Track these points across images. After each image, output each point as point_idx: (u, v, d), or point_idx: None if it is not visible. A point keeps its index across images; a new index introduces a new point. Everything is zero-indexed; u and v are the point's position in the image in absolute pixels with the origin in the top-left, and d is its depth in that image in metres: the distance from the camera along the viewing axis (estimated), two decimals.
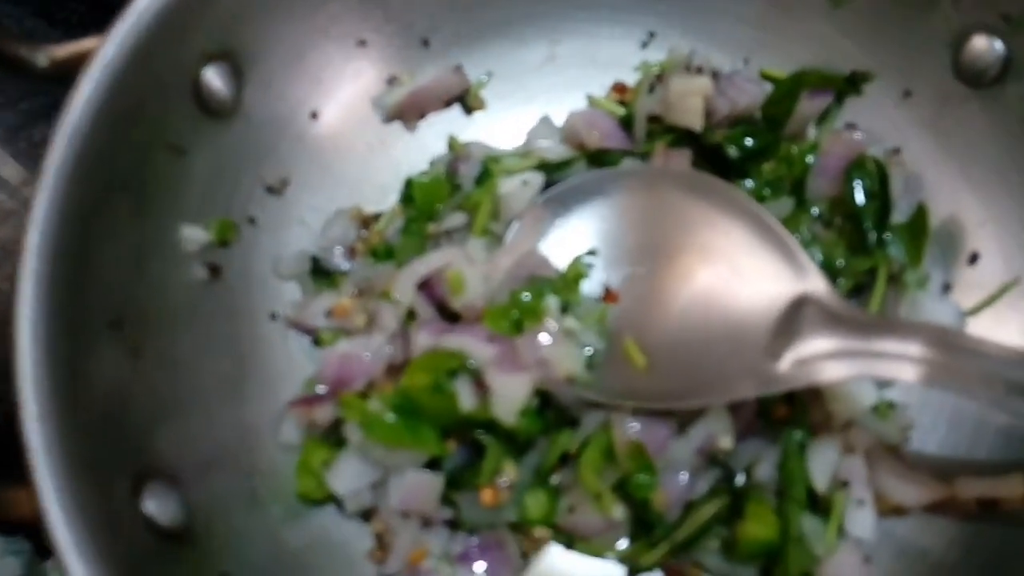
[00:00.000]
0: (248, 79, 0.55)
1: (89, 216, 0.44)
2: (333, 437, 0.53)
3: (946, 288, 0.59)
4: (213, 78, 0.53)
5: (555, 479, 0.55)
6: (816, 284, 0.52)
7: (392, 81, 0.64)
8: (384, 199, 0.63)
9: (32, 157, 0.88)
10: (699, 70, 0.62)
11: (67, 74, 0.49)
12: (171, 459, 0.45)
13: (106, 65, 0.46)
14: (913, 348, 0.47)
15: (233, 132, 0.55)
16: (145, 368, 0.46)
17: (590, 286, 0.58)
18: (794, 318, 0.52)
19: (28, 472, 0.36)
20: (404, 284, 0.56)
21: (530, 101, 0.66)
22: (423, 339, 0.53)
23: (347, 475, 0.51)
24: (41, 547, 0.69)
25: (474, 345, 0.52)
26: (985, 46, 0.56)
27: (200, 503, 0.45)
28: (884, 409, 0.56)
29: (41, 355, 0.39)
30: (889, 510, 0.53)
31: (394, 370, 0.55)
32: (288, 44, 0.57)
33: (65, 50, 0.49)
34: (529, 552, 0.54)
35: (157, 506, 0.42)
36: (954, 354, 0.46)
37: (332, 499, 0.52)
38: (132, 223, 0.47)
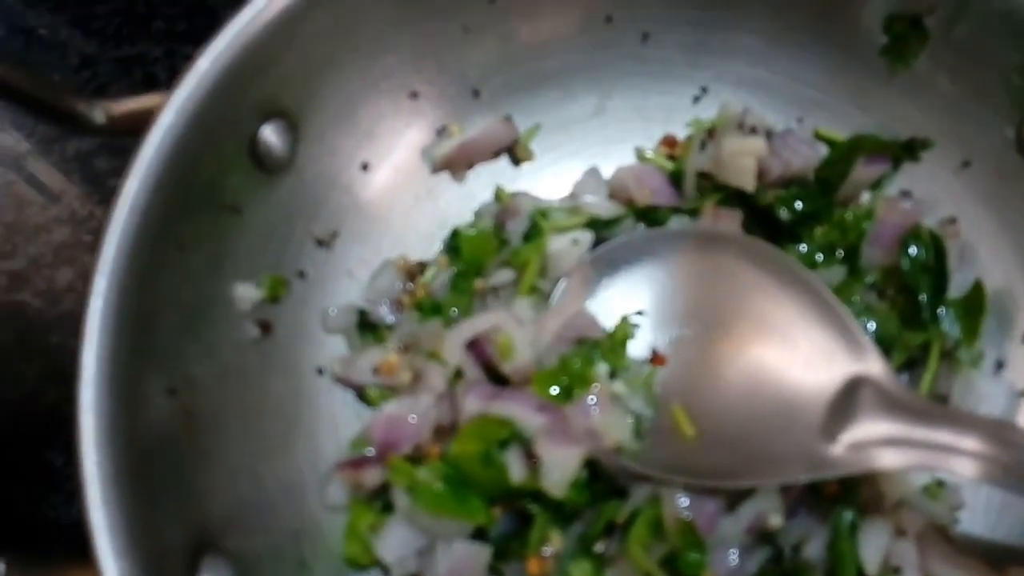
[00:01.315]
0: (302, 134, 0.55)
1: (148, 278, 0.44)
2: (380, 499, 0.53)
3: (999, 366, 0.58)
4: (269, 135, 0.52)
5: (599, 547, 0.55)
6: (874, 366, 0.52)
7: (442, 132, 0.63)
8: (429, 248, 0.63)
9: (64, 170, 0.90)
10: (752, 129, 0.62)
11: (124, 130, 0.49)
12: (222, 525, 0.44)
13: (167, 127, 0.46)
14: (972, 442, 0.46)
15: (286, 187, 0.55)
16: (196, 432, 0.46)
17: (637, 348, 0.57)
18: (850, 399, 0.51)
19: (91, 552, 0.36)
20: (453, 345, 0.56)
21: (577, 153, 0.66)
22: (472, 404, 0.53)
23: (394, 542, 0.51)
24: None
25: (524, 414, 0.52)
26: None
27: (251, 571, 0.45)
28: (934, 489, 0.55)
29: (104, 430, 0.39)
30: None
31: (441, 432, 0.54)
32: (341, 98, 0.57)
33: (122, 107, 0.49)
34: None
35: None
36: (1014, 451, 0.45)
37: (378, 564, 0.52)
38: (188, 284, 0.47)
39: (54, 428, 0.76)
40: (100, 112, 0.48)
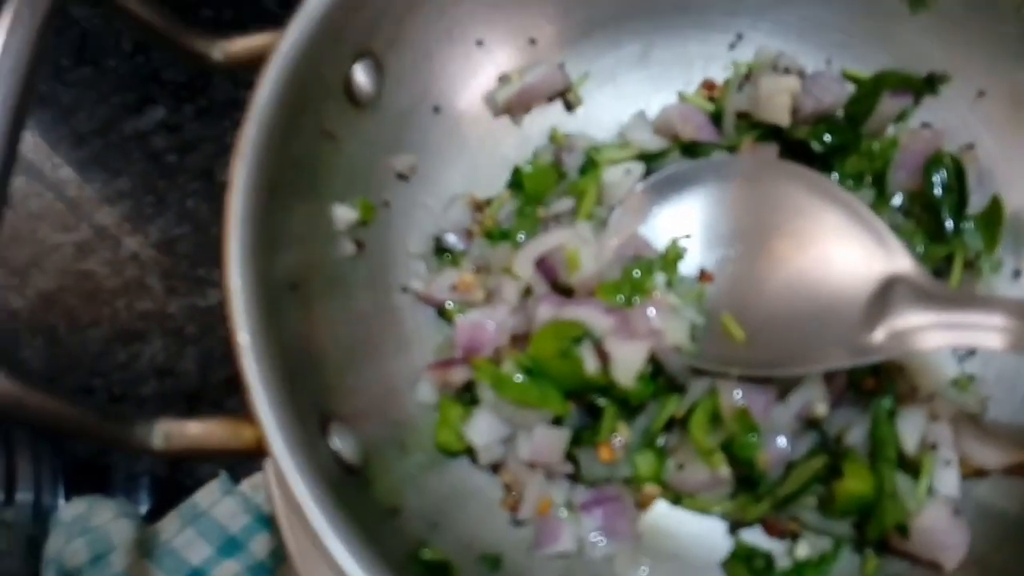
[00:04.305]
0: (386, 75, 0.61)
1: (273, 190, 0.50)
2: (466, 396, 0.59)
3: (1017, 274, 0.64)
4: (359, 73, 0.59)
5: (661, 441, 0.60)
6: (905, 264, 0.57)
7: (503, 79, 0.69)
8: (494, 186, 0.69)
9: (123, 149, 0.95)
10: (786, 70, 0.68)
11: (240, 66, 0.55)
12: (342, 405, 0.50)
13: (283, 60, 0.52)
14: (998, 319, 0.51)
15: (373, 122, 0.61)
16: (315, 327, 0.52)
17: (687, 267, 0.63)
18: (886, 295, 0.56)
19: (250, 407, 0.42)
20: (524, 261, 0.61)
21: (625, 98, 0.71)
22: (544, 311, 0.59)
23: (483, 429, 0.56)
24: (152, 511, 0.75)
25: (593, 316, 0.57)
26: None
27: (366, 447, 0.51)
28: (964, 382, 0.61)
29: (248, 304, 0.45)
30: (971, 472, 0.57)
31: (516, 339, 0.60)
32: (419, 44, 0.63)
33: (238, 45, 0.55)
34: (642, 506, 0.59)
35: (341, 443, 0.48)
36: None
37: (467, 451, 0.58)
38: (302, 199, 0.53)
39: (124, 386, 0.82)
40: (218, 50, 0.54)
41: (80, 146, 0.92)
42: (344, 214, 0.58)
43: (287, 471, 0.40)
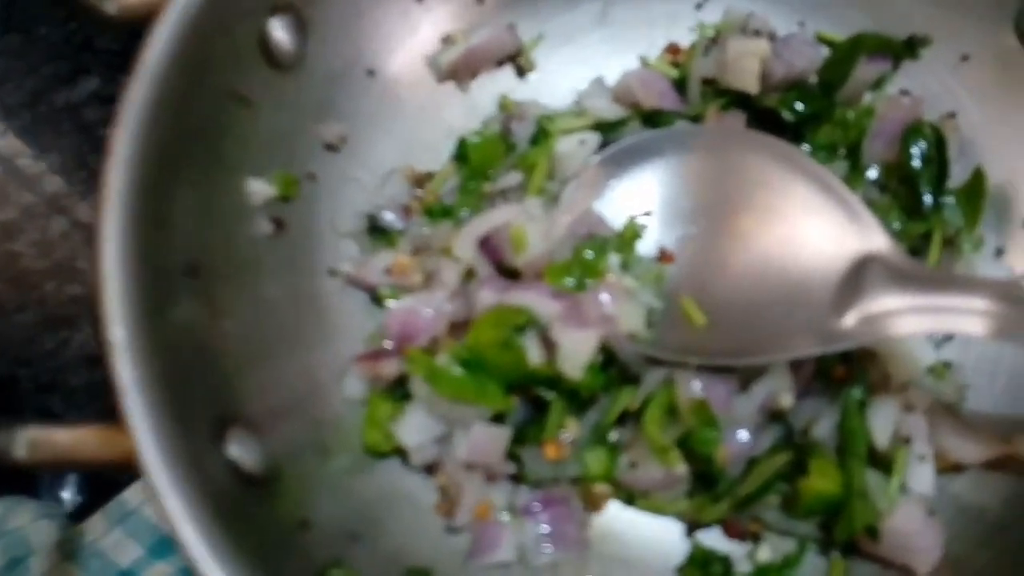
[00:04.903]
0: (310, 33, 0.55)
1: (165, 161, 0.44)
2: (398, 391, 0.53)
3: (1000, 252, 0.60)
4: (278, 29, 0.53)
5: (613, 436, 0.55)
6: (880, 242, 0.53)
7: (447, 40, 0.63)
8: (436, 158, 0.63)
9: (54, 121, 0.89)
10: (756, 32, 0.62)
11: (135, 21, 0.49)
12: (247, 407, 0.45)
13: (181, 11, 0.46)
14: (979, 302, 0.47)
15: (295, 87, 0.55)
16: (219, 318, 0.46)
17: (645, 247, 0.58)
18: (859, 276, 0.52)
19: (120, 410, 0.36)
20: (465, 241, 0.56)
21: (582, 62, 0.66)
22: (486, 296, 0.54)
23: (414, 427, 0.51)
24: (78, 510, 0.70)
25: (539, 302, 0.52)
26: None
27: (276, 452, 0.45)
28: (941, 369, 0.56)
29: (128, 294, 0.39)
30: (947, 467, 0.54)
31: (455, 327, 0.55)
32: None
33: None
34: (591, 508, 0.54)
35: (240, 451, 0.42)
36: (1018, 306, 0.46)
37: (398, 452, 0.53)
38: (205, 172, 0.47)
39: (52, 375, 0.77)
40: (112, 3, 0.48)
41: (7, 119, 0.86)
42: (260, 189, 0.52)
43: (159, 488, 0.35)
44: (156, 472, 0.35)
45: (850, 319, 0.51)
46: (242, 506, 0.40)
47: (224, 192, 0.49)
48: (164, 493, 0.35)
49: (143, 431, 0.36)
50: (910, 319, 0.49)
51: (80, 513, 0.66)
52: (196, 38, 0.46)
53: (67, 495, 0.72)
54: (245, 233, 0.51)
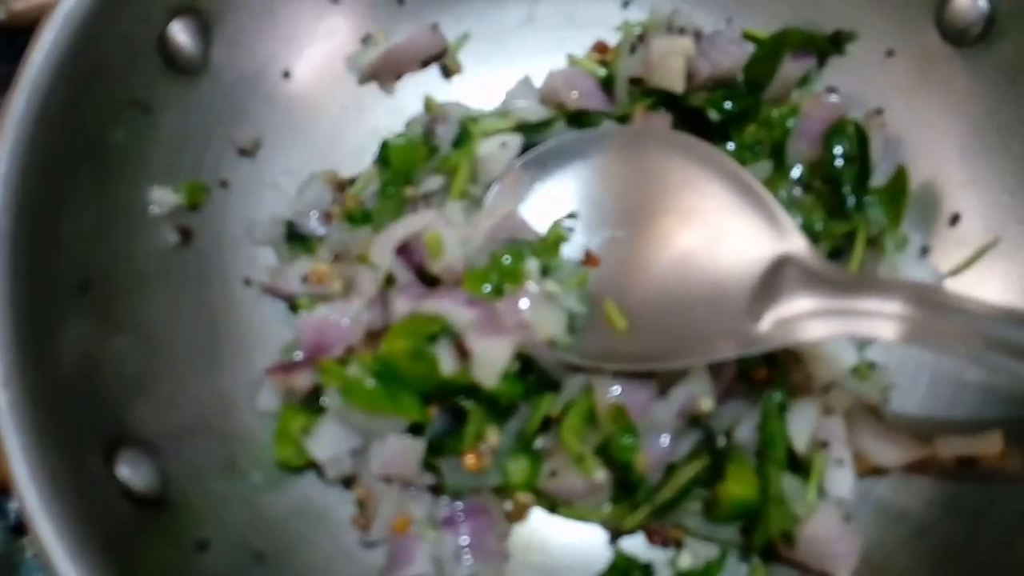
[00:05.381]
0: (216, 35, 0.53)
1: (53, 176, 0.42)
2: (312, 404, 0.52)
3: (924, 251, 0.59)
4: (179, 33, 0.51)
5: (538, 444, 0.55)
6: (797, 244, 0.52)
7: (367, 40, 0.62)
8: (359, 162, 0.62)
9: None
10: (681, 30, 0.61)
11: (26, 26, 0.47)
12: (144, 426, 0.43)
13: (67, 17, 0.44)
14: (893, 306, 0.47)
15: (202, 91, 0.53)
16: (115, 334, 0.45)
17: (570, 250, 0.57)
18: (775, 279, 0.51)
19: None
20: (382, 248, 0.55)
21: (509, 62, 0.65)
22: (402, 304, 0.52)
23: (327, 441, 0.50)
24: (20, 524, 0.68)
25: (454, 309, 0.51)
26: (968, 3, 0.55)
27: (176, 470, 0.44)
28: (864, 370, 0.56)
29: (5, 316, 0.37)
30: (869, 471, 0.53)
31: (373, 336, 0.54)
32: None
33: (24, 2, 0.47)
34: (513, 517, 0.53)
35: (131, 472, 0.41)
36: (933, 311, 0.46)
37: (312, 466, 0.52)
38: (99, 184, 0.45)
39: None
40: (0, 8, 0.46)
41: None
42: (164, 198, 0.50)
43: (32, 513, 0.34)
44: (28, 495, 0.34)
45: (766, 322, 0.50)
46: (131, 528, 0.39)
47: (122, 204, 0.48)
48: (36, 517, 0.34)
49: (15, 452, 0.35)
50: (822, 323, 0.48)
51: (23, 526, 0.64)
52: (85, 45, 0.44)
53: (15, 506, 0.70)
54: (147, 245, 0.49)
